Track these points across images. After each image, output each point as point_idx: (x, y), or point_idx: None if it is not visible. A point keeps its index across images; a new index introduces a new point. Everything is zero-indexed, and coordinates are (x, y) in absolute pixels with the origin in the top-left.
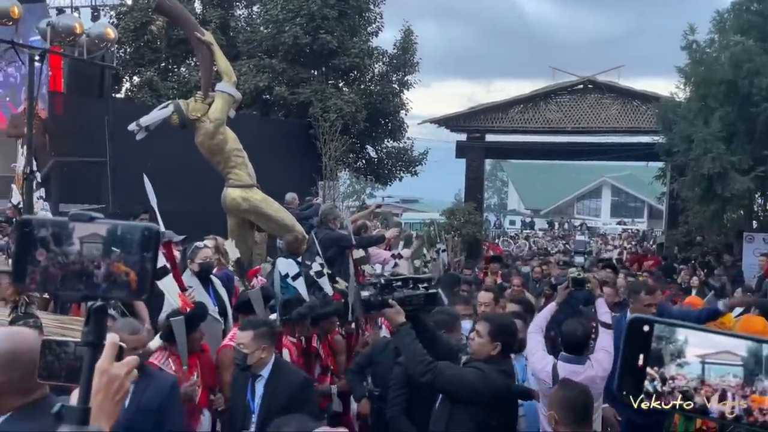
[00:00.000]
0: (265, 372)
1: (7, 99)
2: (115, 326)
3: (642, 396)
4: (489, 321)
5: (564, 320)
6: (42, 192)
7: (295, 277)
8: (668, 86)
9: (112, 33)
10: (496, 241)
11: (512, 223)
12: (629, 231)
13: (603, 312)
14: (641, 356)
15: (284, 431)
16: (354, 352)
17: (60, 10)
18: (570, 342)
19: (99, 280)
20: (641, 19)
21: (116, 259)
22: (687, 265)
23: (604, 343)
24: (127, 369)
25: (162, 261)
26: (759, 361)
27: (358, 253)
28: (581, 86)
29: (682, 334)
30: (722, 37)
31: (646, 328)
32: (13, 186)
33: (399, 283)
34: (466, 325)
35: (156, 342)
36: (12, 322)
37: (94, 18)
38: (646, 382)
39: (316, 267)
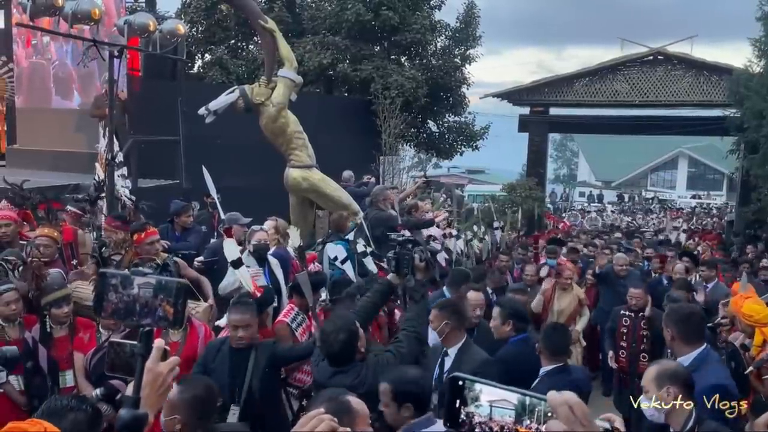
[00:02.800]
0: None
1: (96, 82)
2: None
3: (459, 427)
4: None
5: None
6: (124, 170)
7: (343, 261)
8: (746, 55)
9: (182, 29)
10: (563, 214)
11: (582, 195)
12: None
13: None
14: (458, 400)
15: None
16: (395, 328)
17: None
18: None
19: (149, 313)
20: None
21: (160, 300)
22: (754, 246)
23: None
24: (169, 368)
25: (237, 254)
26: (524, 406)
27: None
28: (650, 58)
29: (479, 386)
30: None
31: (461, 382)
32: (97, 165)
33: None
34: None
35: (225, 320)
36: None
37: None
38: (461, 417)
39: (360, 247)
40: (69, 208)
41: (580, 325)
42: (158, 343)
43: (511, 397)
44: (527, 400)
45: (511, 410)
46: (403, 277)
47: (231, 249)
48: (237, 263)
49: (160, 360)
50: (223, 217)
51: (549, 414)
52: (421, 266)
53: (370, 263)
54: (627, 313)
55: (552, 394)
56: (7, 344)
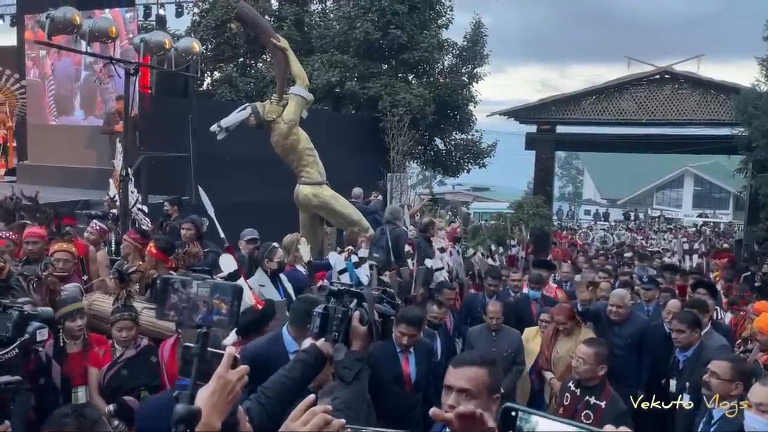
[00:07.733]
0: None
1: (106, 98)
2: None
3: None
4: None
5: None
6: (133, 185)
7: (341, 272)
8: (753, 74)
9: (197, 47)
10: (563, 231)
11: (587, 213)
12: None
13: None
14: (510, 431)
15: None
16: None
17: (147, 8)
18: None
19: (207, 312)
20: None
21: (217, 298)
22: None
23: None
24: (238, 375)
25: (234, 266)
26: None
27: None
28: (657, 76)
29: (535, 418)
30: None
31: (513, 413)
32: (111, 180)
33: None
34: None
35: (231, 338)
36: (113, 313)
37: (178, 14)
38: None
39: (354, 258)
40: (96, 223)
41: None
42: (230, 350)
43: (568, 430)
44: None
45: None
46: (331, 343)
47: (227, 263)
48: (234, 276)
49: (230, 368)
50: (221, 235)
51: None
52: (362, 332)
53: (361, 273)
54: (572, 387)
55: (609, 429)
56: None
